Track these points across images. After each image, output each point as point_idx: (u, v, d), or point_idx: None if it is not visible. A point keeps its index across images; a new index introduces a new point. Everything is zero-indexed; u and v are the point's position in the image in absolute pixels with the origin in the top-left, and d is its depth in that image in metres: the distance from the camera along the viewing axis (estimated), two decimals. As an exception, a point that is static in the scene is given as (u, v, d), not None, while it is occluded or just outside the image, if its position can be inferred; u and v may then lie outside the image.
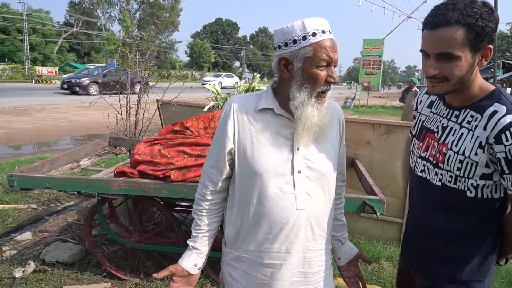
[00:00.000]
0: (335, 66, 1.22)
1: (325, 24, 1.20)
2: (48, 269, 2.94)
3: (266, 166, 1.23)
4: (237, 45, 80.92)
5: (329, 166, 1.31)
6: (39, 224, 3.91)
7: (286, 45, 1.20)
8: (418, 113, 1.45)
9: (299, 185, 1.24)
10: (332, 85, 1.24)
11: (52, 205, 4.48)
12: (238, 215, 1.31)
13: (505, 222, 1.27)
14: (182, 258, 1.35)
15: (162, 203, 2.93)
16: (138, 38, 4.51)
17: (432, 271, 1.35)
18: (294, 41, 1.18)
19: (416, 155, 1.39)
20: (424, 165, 1.34)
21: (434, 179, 1.29)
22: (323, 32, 1.18)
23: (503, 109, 1.13)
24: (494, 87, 1.22)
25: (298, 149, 1.25)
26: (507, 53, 65.42)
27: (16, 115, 12.31)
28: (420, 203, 1.38)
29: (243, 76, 72.95)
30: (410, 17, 10.21)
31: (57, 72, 41.81)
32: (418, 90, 10.47)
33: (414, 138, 1.43)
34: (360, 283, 1.47)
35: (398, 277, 1.68)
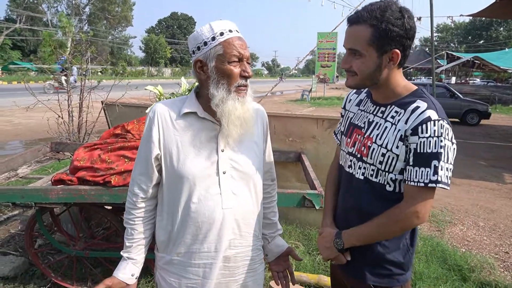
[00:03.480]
0: (248, 63, 1.27)
1: (231, 24, 1.26)
2: (-14, 285, 2.79)
3: (192, 170, 1.25)
4: (194, 40, 79.46)
5: (254, 165, 1.35)
6: (-22, 238, 3.68)
7: (198, 48, 1.25)
8: (346, 111, 1.49)
9: (225, 185, 1.28)
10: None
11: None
12: (168, 219, 1.33)
13: (389, 210, 1.24)
14: (117, 269, 1.34)
15: (110, 207, 2.86)
16: (78, 38, 4.29)
17: (356, 266, 1.36)
18: (205, 43, 1.23)
19: (345, 151, 1.42)
20: (351, 161, 1.37)
21: (357, 173, 1.33)
22: (230, 31, 1.23)
23: (424, 105, 1.19)
24: (417, 87, 1.29)
25: (222, 151, 1.29)
26: (452, 44, 69.49)
27: (-47, 120, 11.40)
28: (346, 197, 1.41)
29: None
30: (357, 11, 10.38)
31: (-1, 72, 38.97)
32: None
33: (343, 135, 1.47)
34: (289, 277, 1.53)
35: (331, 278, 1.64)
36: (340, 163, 1.48)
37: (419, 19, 23.15)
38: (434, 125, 1.13)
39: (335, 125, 3.44)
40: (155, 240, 1.41)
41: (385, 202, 1.26)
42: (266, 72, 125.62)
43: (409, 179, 1.18)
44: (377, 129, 1.28)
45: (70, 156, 3.66)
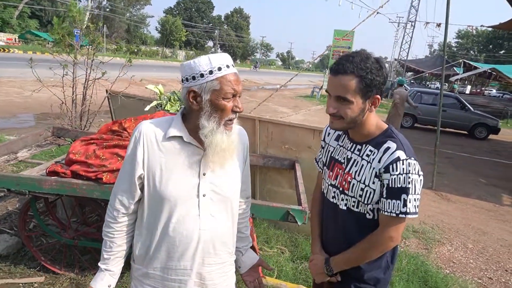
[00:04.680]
0: (239, 97, 1.32)
1: (228, 59, 1.31)
2: (-21, 262, 2.90)
3: (174, 192, 1.30)
4: (211, 24, 79.14)
5: (233, 189, 1.43)
6: (-24, 213, 3.80)
7: (193, 78, 1.28)
8: (327, 144, 1.64)
9: (204, 208, 1.34)
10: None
11: (-5, 191, 4.34)
12: (147, 235, 1.38)
13: (368, 237, 1.42)
14: (94, 280, 1.40)
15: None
16: (86, 26, 4.33)
17: (344, 281, 1.53)
18: (202, 75, 1.26)
19: (328, 183, 1.57)
20: (334, 192, 1.53)
21: (341, 204, 1.50)
22: (228, 66, 1.28)
23: (394, 145, 1.36)
24: (387, 126, 1.47)
25: (204, 175, 1.34)
26: (471, 52, 68.11)
27: (-35, 87, 11.58)
28: (331, 224, 1.57)
29: (216, 57, 71.58)
30: (378, 13, 10.27)
31: (16, 40, 39.28)
32: (403, 90, 9.41)
33: (325, 167, 1.61)
34: (260, 287, 1.62)
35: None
36: (323, 191, 1.63)
37: (439, 25, 22.83)
38: (403, 164, 1.32)
39: (331, 138, 3.46)
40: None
41: (366, 228, 1.44)
42: (280, 63, 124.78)
43: (383, 210, 1.37)
44: (355, 166, 1.45)
45: (71, 142, 3.75)
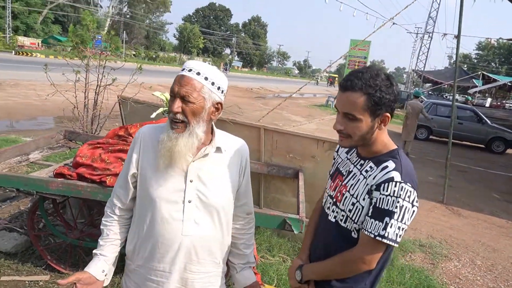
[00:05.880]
0: (184, 99, 1.30)
1: (193, 64, 1.35)
2: (-12, 259, 3.00)
3: (160, 194, 1.36)
4: (228, 32, 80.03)
5: (223, 198, 1.43)
6: (-10, 210, 3.93)
7: None
8: (338, 156, 1.60)
9: (188, 214, 1.37)
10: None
11: (8, 190, 4.48)
12: (136, 231, 1.45)
13: (343, 252, 1.37)
14: (88, 266, 1.43)
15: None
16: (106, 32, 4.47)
17: None
18: None
19: (328, 193, 1.54)
20: (330, 203, 1.50)
21: (330, 216, 1.46)
22: (183, 70, 1.34)
23: (392, 165, 1.30)
24: (396, 147, 1.40)
25: (191, 181, 1.37)
26: (492, 64, 66.76)
27: (-12, 90, 12.02)
28: (321, 234, 1.54)
29: (232, 64, 72.55)
30: (394, 23, 10.27)
31: (39, 44, 40.52)
32: (417, 102, 9.26)
33: (329, 177, 1.58)
34: None
35: None
36: (323, 200, 1.60)
37: (456, 37, 22.55)
38: (395, 186, 1.24)
39: (334, 148, 3.47)
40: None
41: (350, 245, 1.37)
42: (297, 71, 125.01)
43: (364, 228, 1.30)
44: (353, 180, 1.40)
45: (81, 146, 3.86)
